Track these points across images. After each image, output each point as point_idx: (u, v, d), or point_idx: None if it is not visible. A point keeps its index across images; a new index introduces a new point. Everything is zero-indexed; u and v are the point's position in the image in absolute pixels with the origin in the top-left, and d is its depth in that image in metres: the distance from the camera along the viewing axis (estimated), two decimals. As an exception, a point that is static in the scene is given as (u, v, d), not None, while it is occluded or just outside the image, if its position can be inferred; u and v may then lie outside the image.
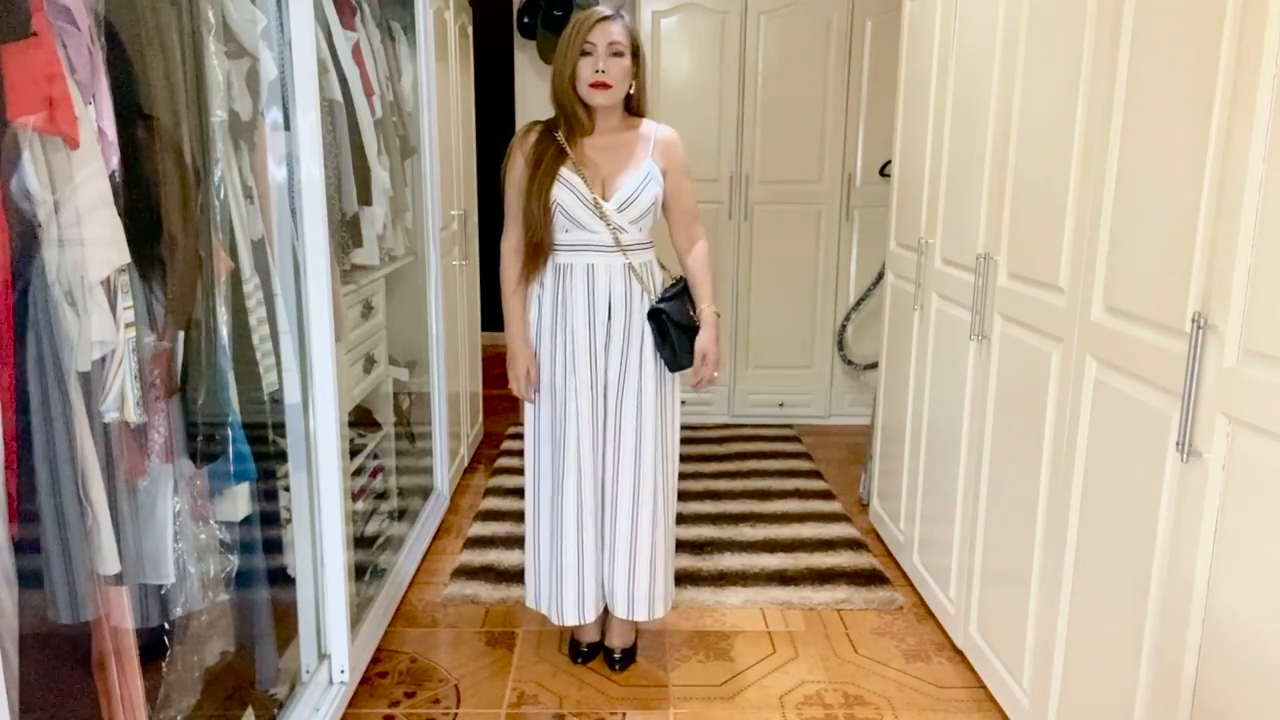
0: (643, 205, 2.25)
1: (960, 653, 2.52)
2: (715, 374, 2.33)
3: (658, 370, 2.33)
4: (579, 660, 2.51)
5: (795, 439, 4.38)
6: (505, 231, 2.34)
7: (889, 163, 3.44)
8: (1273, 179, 1.33)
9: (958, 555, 2.50)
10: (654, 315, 2.27)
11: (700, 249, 2.39)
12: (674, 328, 2.27)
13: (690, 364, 2.31)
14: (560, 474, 2.33)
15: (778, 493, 3.69)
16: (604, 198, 2.23)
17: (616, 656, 2.49)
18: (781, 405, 4.62)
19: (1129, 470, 1.68)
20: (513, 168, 2.30)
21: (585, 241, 2.25)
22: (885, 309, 3.26)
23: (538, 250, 2.26)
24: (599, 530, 2.37)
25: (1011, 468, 2.18)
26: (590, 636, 2.53)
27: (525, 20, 4.80)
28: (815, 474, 3.92)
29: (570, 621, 2.41)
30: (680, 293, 2.31)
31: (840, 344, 4.52)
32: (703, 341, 2.31)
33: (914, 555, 2.89)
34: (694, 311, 2.32)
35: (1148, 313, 1.63)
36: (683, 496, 3.62)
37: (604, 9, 2.22)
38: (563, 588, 2.38)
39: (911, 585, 2.92)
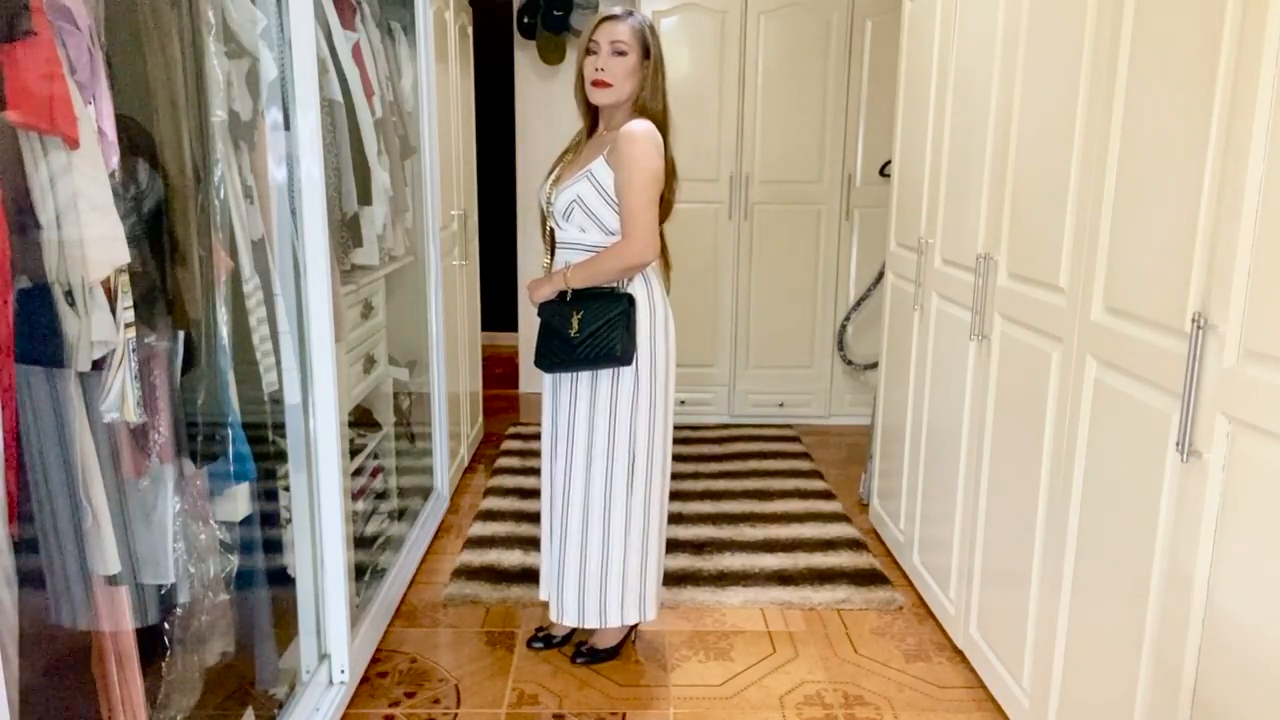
0: (564, 202, 2.23)
1: (960, 653, 2.52)
2: (529, 295, 2.32)
3: (593, 376, 2.25)
4: (531, 645, 2.55)
5: (795, 439, 4.38)
6: None
7: (889, 163, 3.44)
8: (1273, 179, 1.33)
9: (958, 555, 2.50)
10: (538, 309, 2.30)
11: (611, 245, 2.19)
12: (543, 327, 2.26)
13: (549, 368, 2.24)
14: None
15: (778, 493, 3.69)
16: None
17: (584, 649, 2.51)
18: (781, 405, 4.62)
19: (1129, 470, 1.68)
20: None
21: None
22: (885, 309, 3.26)
23: (543, 237, 2.39)
24: (553, 521, 2.43)
25: (1011, 468, 2.18)
26: (555, 629, 2.56)
27: (525, 20, 4.80)
28: (815, 474, 3.92)
29: (540, 595, 2.52)
30: (564, 298, 2.22)
31: (840, 344, 4.52)
32: (534, 280, 2.31)
33: (914, 555, 2.89)
34: (575, 317, 2.18)
35: (1148, 313, 1.63)
36: (683, 496, 3.63)
37: (615, 9, 2.22)
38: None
39: (911, 585, 2.92)
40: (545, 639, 2.56)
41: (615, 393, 2.26)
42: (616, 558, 2.34)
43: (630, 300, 2.20)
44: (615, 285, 2.24)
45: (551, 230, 2.33)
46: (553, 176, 2.32)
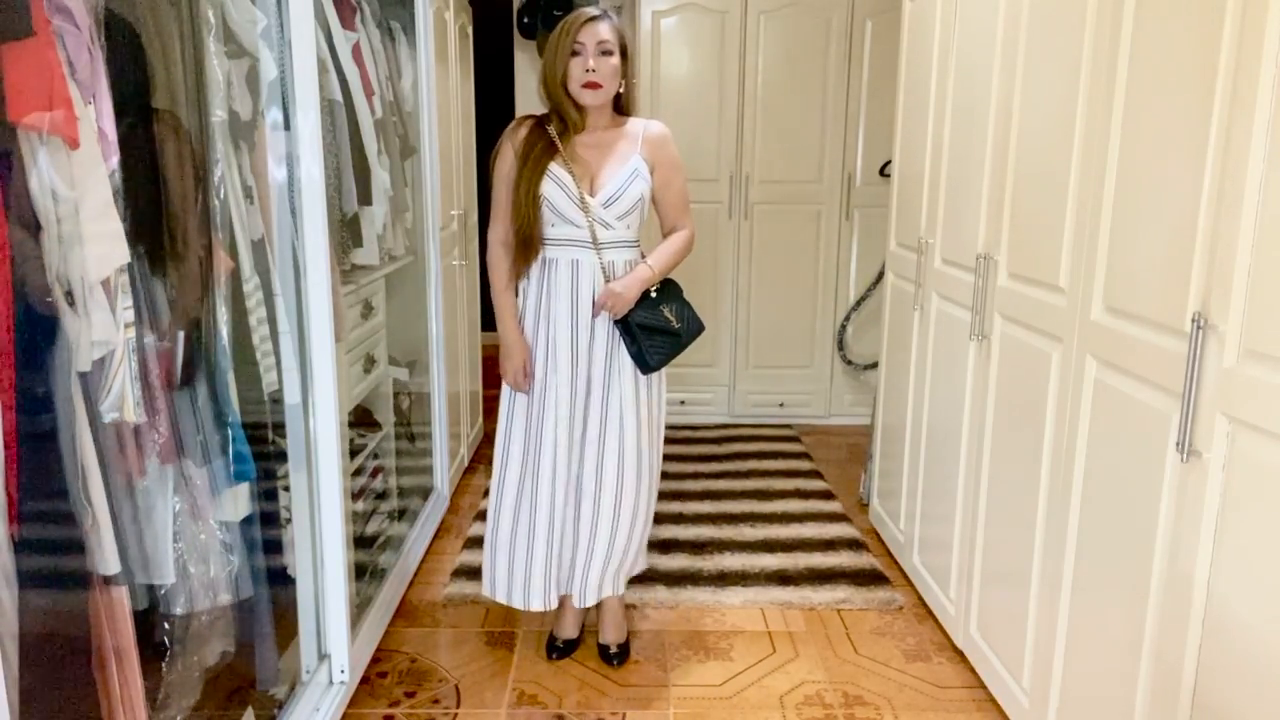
0: (629, 201, 2.25)
1: (960, 653, 2.52)
2: (610, 305, 2.25)
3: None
4: (553, 656, 2.52)
5: (795, 439, 4.38)
6: (492, 224, 2.35)
7: (889, 163, 3.44)
8: (1273, 179, 1.34)
9: (958, 555, 2.50)
10: (622, 320, 2.26)
11: (680, 235, 2.37)
12: (640, 331, 2.24)
13: (660, 366, 2.28)
14: (535, 466, 2.35)
15: (778, 493, 3.69)
16: (590, 194, 2.25)
17: (613, 652, 2.50)
18: (781, 405, 4.62)
19: (1129, 470, 1.68)
20: (502, 161, 2.31)
21: (571, 237, 2.26)
22: (885, 309, 3.26)
23: (528, 245, 2.28)
24: (564, 523, 2.39)
25: (1011, 468, 2.18)
26: (568, 633, 2.55)
27: (525, 20, 4.80)
28: (815, 474, 3.92)
29: (536, 607, 2.43)
30: (649, 296, 2.28)
31: (840, 344, 4.52)
32: (616, 283, 2.25)
33: (914, 555, 2.89)
34: (667, 311, 2.29)
35: (1148, 313, 1.63)
36: (683, 496, 3.63)
37: (591, 10, 2.24)
38: (530, 576, 2.40)
39: (911, 585, 2.92)
40: (564, 646, 2.54)
41: (659, 378, 2.41)
42: (646, 536, 2.48)
43: (675, 282, 2.39)
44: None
45: (531, 237, 2.26)
46: (573, 180, 2.22)
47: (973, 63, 2.44)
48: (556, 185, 2.23)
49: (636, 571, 2.55)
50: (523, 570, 2.41)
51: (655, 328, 2.27)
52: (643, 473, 2.38)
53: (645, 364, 2.27)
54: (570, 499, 2.38)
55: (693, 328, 2.34)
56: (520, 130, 2.30)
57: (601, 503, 2.37)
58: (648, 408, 2.37)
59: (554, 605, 2.45)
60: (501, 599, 2.44)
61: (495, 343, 2.37)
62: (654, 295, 2.30)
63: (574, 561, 2.42)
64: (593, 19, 2.20)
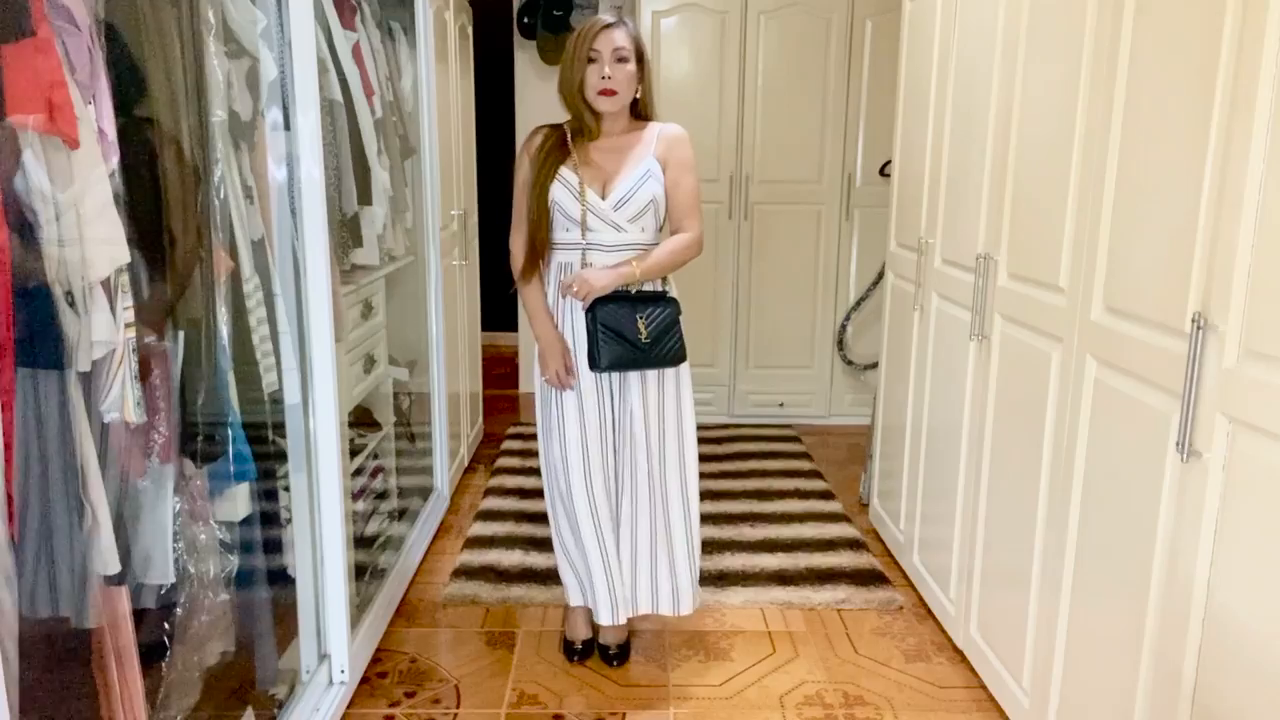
0: (640, 202, 2.26)
1: (960, 653, 2.52)
2: (575, 288, 2.22)
3: (677, 372, 2.35)
4: (574, 659, 2.51)
5: (795, 439, 4.38)
6: (513, 231, 2.37)
7: (889, 163, 3.44)
8: (1273, 179, 1.33)
9: (958, 555, 2.50)
10: (590, 310, 2.24)
11: (679, 236, 2.31)
12: (600, 327, 2.21)
13: (607, 368, 2.23)
14: (566, 473, 2.34)
15: (778, 493, 3.69)
16: (602, 197, 2.26)
17: (613, 653, 2.50)
18: (781, 405, 4.62)
19: (1129, 470, 1.68)
20: (520, 169, 2.35)
21: (584, 240, 2.27)
22: (885, 309, 3.26)
23: (536, 248, 2.30)
24: (618, 534, 2.38)
25: (1011, 468, 2.18)
26: (584, 634, 2.54)
27: (525, 20, 4.80)
28: (815, 474, 3.92)
29: (604, 622, 2.43)
30: (629, 297, 2.25)
31: (840, 344, 4.52)
32: (590, 269, 2.24)
33: (914, 555, 2.89)
34: (641, 321, 2.23)
35: (1148, 313, 1.63)
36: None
37: (608, 16, 2.25)
38: (594, 588, 2.40)
39: (911, 585, 2.92)
40: (583, 648, 2.54)
41: (682, 375, 2.39)
42: (696, 540, 2.47)
43: (678, 304, 2.33)
44: (665, 288, 2.34)
45: (539, 240, 2.27)
46: (579, 184, 2.24)
47: (973, 63, 2.44)
48: (565, 189, 2.26)
49: (697, 598, 2.51)
50: (590, 583, 2.41)
51: (615, 330, 2.21)
52: (682, 472, 2.38)
53: (592, 359, 2.24)
54: (614, 509, 2.37)
55: (666, 351, 2.25)
56: (535, 139, 2.33)
57: (669, 505, 2.37)
58: (658, 410, 2.35)
59: (621, 620, 2.44)
60: (573, 603, 2.49)
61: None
62: (633, 294, 2.26)
63: (637, 571, 2.41)
64: (609, 26, 2.22)
